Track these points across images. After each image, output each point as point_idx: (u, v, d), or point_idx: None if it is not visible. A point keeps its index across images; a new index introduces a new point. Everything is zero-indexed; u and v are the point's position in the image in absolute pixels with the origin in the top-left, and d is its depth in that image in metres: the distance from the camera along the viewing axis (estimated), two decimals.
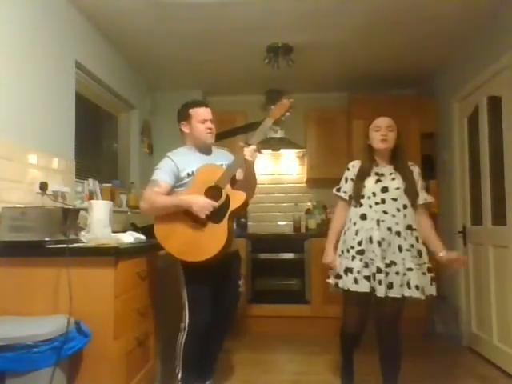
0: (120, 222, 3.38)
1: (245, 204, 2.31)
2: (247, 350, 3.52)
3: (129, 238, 2.40)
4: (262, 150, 4.55)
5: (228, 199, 2.27)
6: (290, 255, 4.21)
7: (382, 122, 2.30)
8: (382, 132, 2.28)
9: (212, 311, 2.36)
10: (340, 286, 2.26)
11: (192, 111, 2.44)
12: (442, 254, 2.28)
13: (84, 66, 3.09)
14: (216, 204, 2.24)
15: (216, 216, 2.25)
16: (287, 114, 2.35)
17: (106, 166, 3.87)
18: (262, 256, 4.23)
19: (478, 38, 3.32)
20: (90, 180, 3.10)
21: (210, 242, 2.23)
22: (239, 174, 2.43)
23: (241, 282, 2.57)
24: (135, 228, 2.98)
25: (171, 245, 2.28)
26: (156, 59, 3.87)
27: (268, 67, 3.72)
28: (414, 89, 4.58)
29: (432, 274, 2.26)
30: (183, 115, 2.47)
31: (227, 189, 2.29)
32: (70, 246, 2.00)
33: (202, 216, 2.22)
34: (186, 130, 2.47)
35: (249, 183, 2.41)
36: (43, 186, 2.42)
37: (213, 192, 2.28)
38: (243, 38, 3.43)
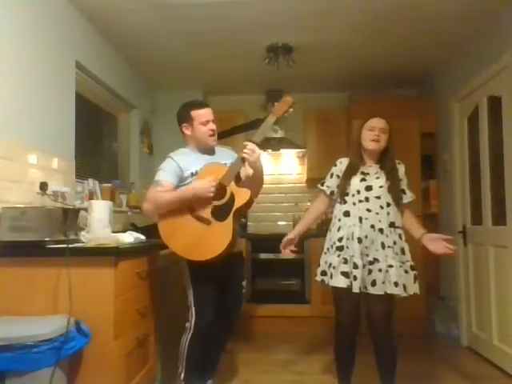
0: (120, 222, 3.38)
1: (249, 202, 2.30)
2: (247, 350, 3.52)
3: (129, 238, 2.40)
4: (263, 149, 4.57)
5: (232, 197, 2.26)
6: (289, 255, 4.20)
7: (377, 123, 2.31)
8: (375, 132, 2.29)
9: (216, 311, 2.35)
10: (325, 282, 2.30)
11: (193, 113, 2.40)
12: (422, 236, 2.27)
13: (84, 66, 3.08)
14: (222, 200, 2.23)
15: (220, 214, 2.24)
16: (290, 110, 2.33)
17: (106, 165, 3.87)
18: (262, 256, 4.23)
19: (478, 38, 3.32)
20: (90, 180, 3.09)
21: (215, 241, 2.22)
22: (244, 172, 2.42)
23: (244, 283, 2.57)
24: (135, 228, 2.98)
25: (176, 244, 2.27)
26: (156, 59, 3.87)
27: (268, 67, 3.72)
28: (414, 89, 4.58)
29: (415, 272, 2.25)
30: (184, 117, 2.43)
31: (231, 186, 2.27)
32: (70, 246, 2.00)
33: (209, 195, 2.21)
34: (187, 132, 2.43)
35: (253, 181, 2.39)
36: (43, 186, 2.42)
37: (217, 190, 2.27)
38: (243, 37, 3.43)
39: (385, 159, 2.34)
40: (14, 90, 2.32)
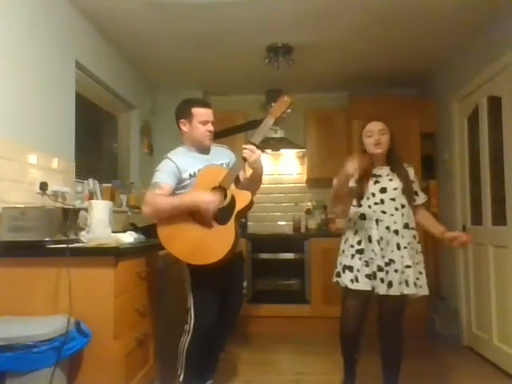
0: (120, 222, 3.38)
1: (250, 204, 2.28)
2: (247, 350, 3.52)
3: (129, 238, 2.39)
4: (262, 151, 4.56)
5: (233, 200, 2.24)
6: (289, 255, 4.21)
7: (374, 126, 2.33)
8: (374, 137, 2.31)
9: (216, 314, 2.33)
10: (340, 283, 2.33)
11: (194, 110, 2.37)
12: (445, 234, 2.33)
13: (84, 66, 3.09)
14: (223, 203, 2.22)
15: (222, 217, 2.22)
16: (288, 110, 2.31)
17: (106, 166, 3.87)
18: (262, 256, 4.23)
19: (478, 38, 3.32)
20: (90, 180, 3.10)
21: (218, 244, 2.20)
22: (242, 174, 2.41)
23: (244, 284, 2.55)
24: (135, 228, 2.97)
25: (177, 248, 2.23)
26: (156, 59, 3.87)
27: (268, 67, 3.72)
28: (414, 89, 4.58)
29: (425, 273, 2.31)
30: (184, 112, 2.40)
31: (232, 189, 2.26)
32: (70, 246, 2.00)
33: (210, 213, 2.20)
34: (184, 128, 2.40)
35: (252, 181, 2.39)
36: (43, 186, 2.42)
37: (217, 193, 2.25)
38: (243, 37, 3.43)
39: (392, 160, 2.37)
40: (13, 89, 2.32)
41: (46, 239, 2.02)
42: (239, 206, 2.24)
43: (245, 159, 2.25)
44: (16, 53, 2.35)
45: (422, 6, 2.92)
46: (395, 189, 2.31)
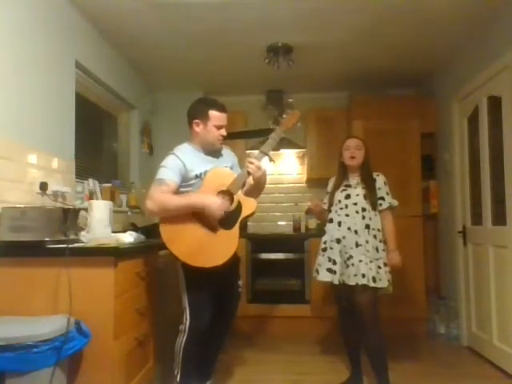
0: (120, 222, 3.38)
1: (255, 212, 2.33)
2: (247, 350, 3.52)
3: (129, 238, 2.40)
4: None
5: (240, 205, 2.25)
6: (289, 255, 4.21)
7: (351, 142, 2.73)
8: (350, 151, 2.69)
9: (213, 313, 2.32)
10: (316, 278, 2.72)
11: (212, 113, 2.32)
12: (389, 251, 2.66)
13: (84, 66, 3.09)
14: (230, 208, 2.22)
15: (227, 222, 2.22)
16: (298, 124, 2.49)
17: (106, 166, 3.87)
18: (262, 256, 4.23)
19: (478, 38, 3.32)
20: (90, 180, 3.10)
21: (222, 249, 2.20)
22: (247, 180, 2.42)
23: (240, 283, 2.55)
24: (135, 228, 2.98)
25: (178, 248, 2.20)
26: (156, 59, 3.87)
27: (268, 67, 3.72)
28: (414, 89, 4.58)
29: (387, 268, 2.56)
30: (200, 113, 2.34)
31: (239, 195, 2.27)
32: (70, 246, 2.00)
33: (217, 217, 2.19)
34: (197, 128, 2.34)
35: (255, 189, 2.40)
36: (43, 186, 2.42)
37: (224, 196, 2.25)
38: (243, 38, 3.43)
39: (363, 171, 2.71)
40: (13, 90, 2.32)
41: (46, 239, 2.02)
42: (245, 212, 2.26)
43: (249, 173, 2.27)
44: (16, 53, 2.35)
45: (423, 6, 2.92)
46: (357, 195, 2.64)
